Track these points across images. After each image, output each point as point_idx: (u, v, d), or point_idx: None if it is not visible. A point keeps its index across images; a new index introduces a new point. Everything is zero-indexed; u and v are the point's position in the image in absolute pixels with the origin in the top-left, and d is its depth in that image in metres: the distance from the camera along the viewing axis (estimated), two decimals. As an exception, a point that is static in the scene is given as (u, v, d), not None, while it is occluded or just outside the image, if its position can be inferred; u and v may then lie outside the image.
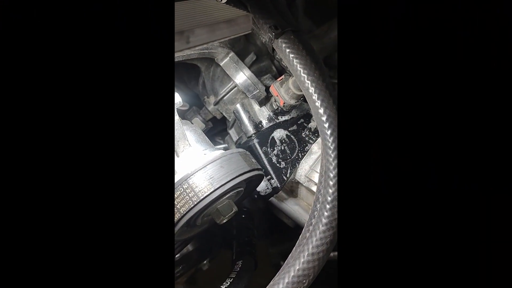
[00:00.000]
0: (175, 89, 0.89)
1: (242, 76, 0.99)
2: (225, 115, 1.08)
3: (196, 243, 1.11)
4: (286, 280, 0.72)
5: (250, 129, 1.01)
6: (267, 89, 1.00)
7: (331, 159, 0.78)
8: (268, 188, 0.99)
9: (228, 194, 0.84)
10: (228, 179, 0.80)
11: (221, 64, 1.00)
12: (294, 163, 1.01)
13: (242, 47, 1.02)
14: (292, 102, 0.96)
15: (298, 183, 1.02)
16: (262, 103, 1.02)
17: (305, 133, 1.03)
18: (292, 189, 1.05)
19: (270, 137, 1.00)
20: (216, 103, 1.06)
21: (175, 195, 0.78)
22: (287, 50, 0.84)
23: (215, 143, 1.17)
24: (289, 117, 1.03)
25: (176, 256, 1.05)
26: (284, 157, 1.00)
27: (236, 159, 0.84)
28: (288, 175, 1.00)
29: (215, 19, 0.65)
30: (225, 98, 1.04)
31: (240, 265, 0.94)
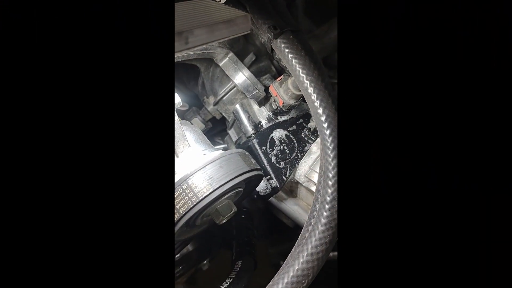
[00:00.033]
0: (175, 90, 0.89)
1: (241, 77, 0.99)
2: (224, 116, 1.08)
3: (196, 243, 1.11)
4: (286, 280, 0.72)
5: (250, 129, 1.01)
6: (266, 89, 1.00)
7: (330, 159, 0.78)
8: (267, 188, 0.99)
9: (228, 195, 0.84)
10: (227, 179, 0.80)
11: (220, 65, 1.00)
12: (293, 163, 1.01)
13: (241, 48, 1.02)
14: (291, 102, 0.96)
15: (297, 183, 1.02)
16: (261, 103, 1.02)
17: (305, 133, 1.03)
18: (291, 189, 1.05)
19: (270, 137, 1.00)
20: (216, 104, 1.06)
21: (175, 196, 0.78)
22: (286, 50, 0.84)
23: (214, 143, 1.17)
24: (289, 117, 1.03)
25: (176, 256, 1.05)
26: (283, 157, 1.00)
27: (235, 159, 0.84)
28: (287, 175, 1.00)
29: (214, 19, 0.65)
30: (224, 98, 1.04)
31: (239, 265, 0.94)
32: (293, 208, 1.03)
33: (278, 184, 0.99)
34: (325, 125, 0.79)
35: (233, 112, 1.04)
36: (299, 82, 0.83)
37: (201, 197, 0.78)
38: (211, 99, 1.07)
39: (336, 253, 0.86)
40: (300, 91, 0.86)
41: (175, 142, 0.84)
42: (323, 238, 0.74)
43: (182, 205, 0.77)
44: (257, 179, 0.92)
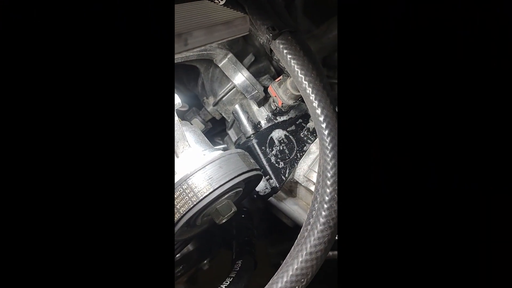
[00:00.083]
0: (175, 90, 0.89)
1: (240, 77, 0.99)
2: (224, 116, 1.08)
3: (196, 243, 1.11)
4: (285, 279, 0.72)
5: (249, 130, 1.01)
6: (265, 89, 1.00)
7: (328, 159, 0.78)
8: (267, 188, 0.99)
9: (227, 194, 0.84)
10: (227, 179, 0.81)
11: (219, 65, 1.00)
12: (292, 163, 1.01)
13: (241, 48, 1.02)
14: (290, 102, 0.96)
15: (296, 183, 1.02)
16: (260, 103, 1.02)
17: (304, 133, 1.03)
18: (291, 189, 1.05)
19: (269, 138, 1.00)
20: (215, 104, 1.06)
21: (175, 196, 0.78)
22: (285, 51, 0.84)
23: (214, 143, 1.17)
24: (288, 118, 1.03)
25: (177, 256, 1.05)
26: (282, 157, 1.00)
27: (234, 159, 0.85)
28: (286, 175, 1.00)
29: (213, 21, 0.65)
30: (224, 99, 1.04)
31: (239, 265, 0.94)
32: (293, 207, 1.03)
33: (277, 184, 0.99)
34: (324, 125, 0.79)
35: (232, 113, 1.04)
36: (297, 83, 0.83)
37: (201, 197, 0.78)
38: (211, 100, 1.07)
39: (335, 252, 0.86)
40: (299, 91, 0.86)
41: (175, 143, 0.85)
42: (321, 238, 0.74)
43: (183, 205, 0.77)
44: (256, 179, 0.93)
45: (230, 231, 1.06)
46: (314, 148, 1.02)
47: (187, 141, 0.87)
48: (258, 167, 0.89)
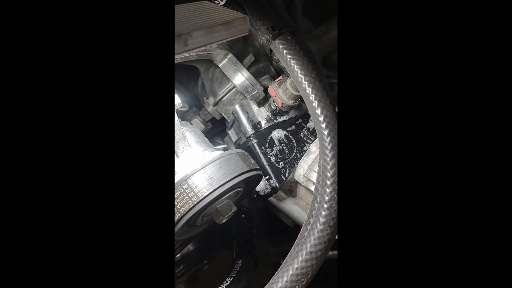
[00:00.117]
0: (175, 90, 0.89)
1: (240, 77, 0.99)
2: (224, 116, 1.09)
3: (196, 243, 1.11)
4: (285, 279, 0.72)
5: (249, 130, 1.01)
6: (265, 89, 1.00)
7: (328, 159, 0.78)
8: (267, 188, 1.00)
9: (227, 194, 0.84)
10: (227, 179, 0.81)
11: (219, 66, 1.00)
12: (292, 163, 1.01)
13: (241, 49, 1.02)
14: (290, 102, 0.96)
15: (296, 182, 1.02)
16: (260, 103, 1.02)
17: (304, 133, 1.03)
18: (291, 188, 1.05)
19: (269, 138, 1.00)
20: (215, 104, 1.06)
21: (175, 196, 0.78)
22: (284, 51, 0.84)
23: (214, 143, 1.17)
24: (288, 118, 1.03)
25: (177, 256, 1.05)
26: (282, 157, 1.00)
27: (234, 159, 0.85)
28: (286, 175, 1.00)
29: (212, 21, 0.65)
30: (224, 99, 1.04)
31: (240, 265, 0.95)
32: (293, 207, 1.03)
33: (277, 184, 0.99)
34: (323, 125, 0.80)
35: (232, 113, 1.04)
36: (297, 83, 0.83)
37: (201, 197, 0.78)
38: (211, 100, 1.07)
39: (335, 252, 0.87)
40: (299, 91, 0.86)
41: (175, 143, 0.85)
42: (321, 237, 0.74)
43: (183, 205, 0.78)
44: (256, 179, 0.93)
45: (230, 231, 1.07)
46: (314, 148, 1.02)
47: (187, 141, 0.87)
48: (258, 167, 0.89)
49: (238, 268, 0.94)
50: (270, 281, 0.74)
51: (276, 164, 0.99)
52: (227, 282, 0.90)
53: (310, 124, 1.03)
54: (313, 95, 0.81)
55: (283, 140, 1.01)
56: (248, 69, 1.00)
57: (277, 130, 1.01)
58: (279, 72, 1.05)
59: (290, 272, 0.73)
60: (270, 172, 0.99)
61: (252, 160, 0.89)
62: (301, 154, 1.02)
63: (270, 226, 1.21)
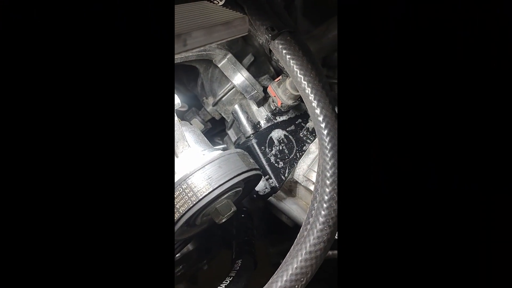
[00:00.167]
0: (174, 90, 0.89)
1: (240, 77, 0.99)
2: (223, 116, 1.09)
3: (196, 243, 1.12)
4: (284, 278, 0.73)
5: (249, 130, 1.01)
6: (265, 89, 1.00)
7: (327, 159, 0.78)
8: (266, 188, 1.00)
9: (227, 194, 0.85)
10: (226, 179, 0.81)
11: (219, 66, 1.00)
12: (292, 163, 1.01)
13: (240, 49, 1.03)
14: (290, 102, 0.96)
15: (296, 182, 1.02)
16: (260, 103, 1.02)
17: (303, 133, 1.03)
18: (290, 188, 1.05)
19: (268, 137, 1.00)
20: (215, 104, 1.06)
21: (175, 195, 0.78)
22: (284, 51, 0.84)
23: (214, 143, 1.18)
24: (287, 117, 1.03)
25: (177, 255, 1.05)
26: (282, 157, 1.00)
27: (234, 159, 0.85)
28: (286, 175, 1.00)
29: (212, 21, 0.65)
30: (223, 99, 1.04)
31: (239, 264, 0.95)
32: (292, 207, 1.04)
33: (277, 184, 0.99)
34: (323, 125, 0.80)
35: (232, 113, 1.04)
36: (296, 83, 0.83)
37: (201, 197, 0.78)
38: (210, 100, 1.07)
39: (335, 251, 0.87)
40: (298, 91, 0.86)
41: (175, 143, 0.85)
42: (321, 237, 0.74)
43: (182, 205, 0.78)
44: (256, 179, 0.93)
45: (230, 230, 1.07)
46: (313, 148, 1.02)
47: (186, 141, 0.87)
48: (257, 166, 0.89)
49: (238, 268, 0.94)
50: (270, 281, 0.74)
51: (276, 164, 1.00)
52: (227, 281, 0.90)
53: (310, 124, 1.03)
54: (312, 95, 0.81)
55: (282, 140, 1.01)
56: (247, 69, 1.00)
57: (276, 130, 1.01)
58: (278, 72, 1.06)
59: (290, 272, 0.73)
60: (270, 172, 0.99)
61: (251, 160, 0.89)
62: (300, 154, 1.02)
63: (269, 226, 1.22)
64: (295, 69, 0.83)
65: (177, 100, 0.89)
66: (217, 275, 0.96)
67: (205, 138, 0.96)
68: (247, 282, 0.91)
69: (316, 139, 1.01)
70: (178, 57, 0.96)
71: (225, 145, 1.15)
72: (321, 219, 0.75)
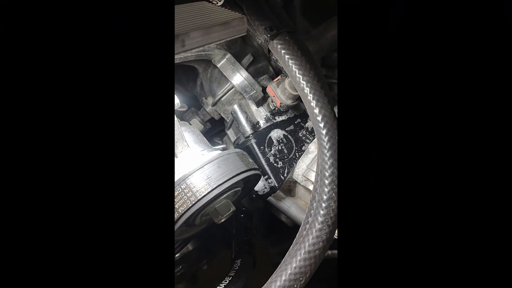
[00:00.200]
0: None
1: (239, 77, 0.99)
2: (223, 116, 1.09)
3: (196, 243, 1.12)
4: (283, 278, 0.73)
5: (248, 130, 1.01)
6: (264, 89, 1.00)
7: (326, 158, 0.78)
8: (266, 188, 1.00)
9: (226, 194, 0.85)
10: (225, 179, 0.81)
11: (218, 66, 1.00)
12: (291, 163, 1.01)
13: (239, 49, 1.03)
14: (289, 102, 0.96)
15: (295, 182, 1.03)
16: (259, 103, 1.02)
17: (302, 132, 1.03)
18: (290, 188, 1.05)
19: (268, 137, 1.01)
20: (214, 104, 1.06)
21: (174, 195, 0.78)
22: (282, 51, 0.84)
23: (213, 143, 1.18)
24: (286, 117, 1.03)
25: (176, 255, 1.05)
26: (281, 157, 1.00)
27: (233, 159, 0.85)
28: (285, 175, 1.00)
29: (210, 22, 0.65)
30: (222, 99, 1.04)
31: (239, 264, 0.95)
32: (292, 207, 1.04)
33: (276, 184, 0.99)
34: (322, 125, 0.80)
35: (231, 113, 1.04)
36: (295, 83, 0.84)
37: (200, 197, 0.78)
38: (210, 100, 1.07)
39: (335, 251, 0.87)
40: (297, 91, 0.86)
41: (174, 143, 0.85)
42: (320, 236, 0.74)
43: (181, 205, 0.78)
44: (255, 179, 0.93)
45: (229, 230, 1.07)
46: (312, 148, 1.02)
47: (186, 142, 0.87)
48: (256, 166, 0.89)
49: (237, 267, 0.94)
50: (269, 280, 0.74)
51: (275, 164, 1.00)
52: (226, 281, 0.90)
53: (309, 124, 1.03)
54: (311, 95, 0.81)
55: (281, 140, 1.01)
56: (246, 69, 1.00)
57: (275, 130, 1.01)
58: (277, 72, 1.06)
59: (289, 271, 0.73)
60: (269, 172, 0.99)
61: (250, 160, 0.89)
62: (299, 153, 1.02)
63: (269, 225, 1.22)
64: (294, 69, 0.83)
65: (177, 100, 0.89)
66: (217, 275, 0.96)
67: (204, 138, 0.96)
68: (246, 282, 0.91)
69: (315, 139, 1.01)
70: (177, 58, 0.96)
71: (224, 145, 1.15)
72: (320, 219, 0.75)
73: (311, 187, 0.98)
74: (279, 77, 0.98)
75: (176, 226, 0.78)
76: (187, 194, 0.78)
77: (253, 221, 1.10)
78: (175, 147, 0.85)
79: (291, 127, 1.03)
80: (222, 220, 0.84)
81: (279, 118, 1.03)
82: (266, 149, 0.99)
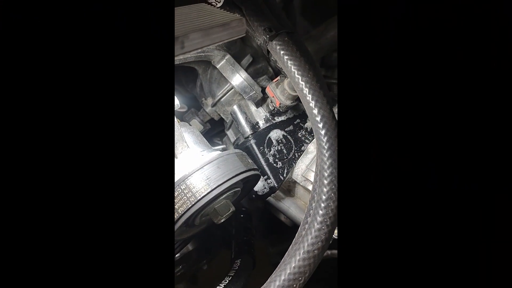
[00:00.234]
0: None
1: (238, 78, 0.99)
2: (222, 117, 1.09)
3: (196, 243, 1.12)
4: (282, 278, 0.73)
5: (247, 130, 1.01)
6: (263, 90, 1.00)
7: (325, 159, 0.78)
8: (265, 188, 1.00)
9: (225, 194, 0.85)
10: (225, 179, 0.81)
11: (217, 67, 1.00)
12: (290, 163, 1.01)
13: (239, 50, 1.03)
14: (288, 102, 0.97)
15: (295, 182, 1.03)
16: (258, 104, 1.02)
17: (302, 133, 1.03)
18: (289, 188, 1.05)
19: (267, 138, 1.01)
20: (214, 105, 1.06)
21: (173, 196, 0.78)
22: (281, 52, 0.84)
23: (213, 144, 1.18)
24: (286, 118, 1.03)
25: (176, 255, 1.05)
26: (281, 157, 1.00)
27: (232, 159, 0.85)
28: (285, 175, 1.00)
29: (209, 23, 0.65)
30: (222, 99, 1.04)
31: (238, 264, 0.95)
32: (291, 207, 1.04)
33: (275, 184, 0.99)
34: (320, 125, 0.80)
35: (231, 113, 1.04)
36: (294, 83, 0.84)
37: (199, 197, 0.78)
38: (209, 101, 1.07)
39: (335, 251, 0.87)
40: (296, 92, 0.86)
41: (174, 144, 0.85)
42: (319, 236, 0.74)
43: (181, 205, 0.78)
44: (254, 179, 0.93)
45: (229, 231, 1.07)
46: (312, 148, 1.02)
47: (185, 142, 0.87)
48: (256, 167, 0.89)
49: (237, 267, 0.94)
50: (268, 280, 0.74)
51: (274, 164, 1.00)
52: (226, 281, 0.90)
53: (308, 124, 1.04)
54: (310, 95, 0.81)
55: (281, 140, 1.01)
56: (246, 70, 1.00)
57: (275, 130, 1.02)
58: (277, 72, 1.06)
59: (288, 271, 0.73)
60: (268, 172, 0.99)
61: (250, 160, 0.89)
62: (299, 154, 1.02)
63: (269, 225, 1.22)
64: (293, 70, 0.83)
65: (176, 101, 0.89)
66: (217, 275, 0.96)
67: (204, 139, 0.96)
68: (246, 282, 0.92)
69: (314, 139, 1.01)
70: (177, 59, 0.96)
71: (224, 146, 1.15)
72: (319, 219, 0.75)
73: (310, 187, 0.98)
74: (278, 77, 0.98)
75: (176, 226, 0.78)
76: (187, 195, 0.78)
77: (253, 221, 1.10)
78: (175, 148, 0.85)
79: (291, 127, 1.03)
80: (222, 221, 0.84)
81: (278, 119, 1.03)
82: (265, 149, 1.00)
